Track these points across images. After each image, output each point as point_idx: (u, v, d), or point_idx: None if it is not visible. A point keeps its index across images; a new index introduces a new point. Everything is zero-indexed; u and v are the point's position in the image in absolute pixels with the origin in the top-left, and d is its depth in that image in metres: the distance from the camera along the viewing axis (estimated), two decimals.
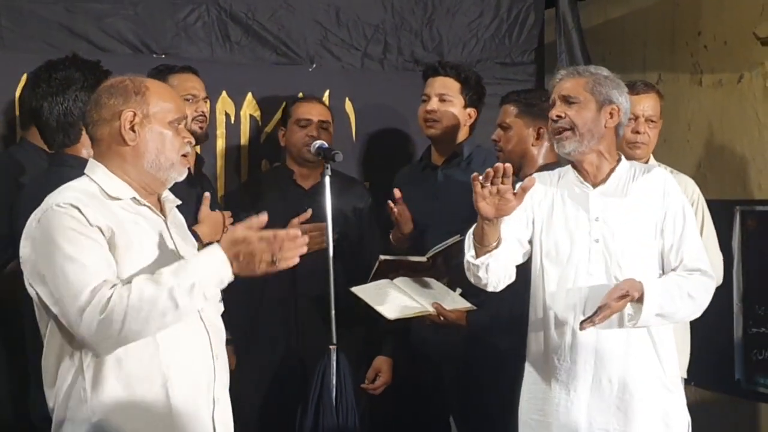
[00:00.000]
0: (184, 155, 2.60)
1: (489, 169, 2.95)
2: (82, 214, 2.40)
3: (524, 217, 3.20)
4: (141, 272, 2.43)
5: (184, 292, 2.35)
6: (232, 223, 3.78)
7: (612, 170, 3.14)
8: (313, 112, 3.99)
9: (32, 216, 2.46)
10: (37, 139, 3.38)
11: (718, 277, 3.87)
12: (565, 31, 4.70)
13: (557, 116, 3.14)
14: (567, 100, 3.14)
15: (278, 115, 4.33)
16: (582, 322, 2.96)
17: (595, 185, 3.14)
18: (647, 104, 3.84)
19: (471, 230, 3.11)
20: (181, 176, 2.61)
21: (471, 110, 4.01)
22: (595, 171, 3.15)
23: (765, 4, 4.48)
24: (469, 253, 3.11)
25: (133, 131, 2.53)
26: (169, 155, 2.56)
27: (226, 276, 2.41)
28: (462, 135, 4.00)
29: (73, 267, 2.36)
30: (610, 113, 3.11)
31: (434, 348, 3.90)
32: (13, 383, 3.10)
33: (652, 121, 3.85)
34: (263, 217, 2.44)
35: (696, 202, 3.83)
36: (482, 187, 2.95)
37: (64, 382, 2.45)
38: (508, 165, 2.95)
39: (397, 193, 3.83)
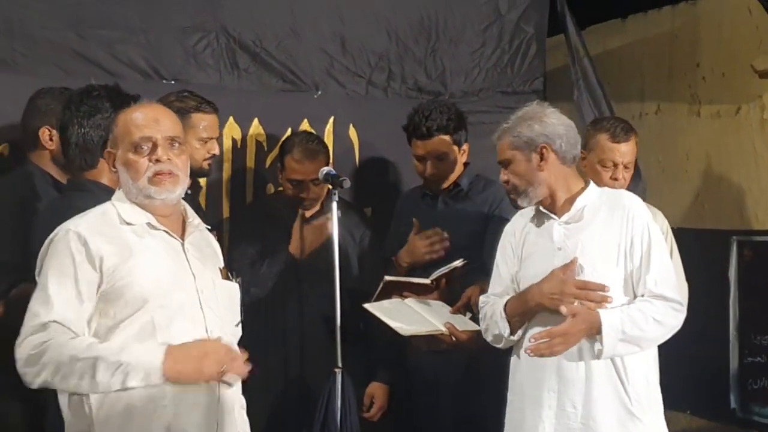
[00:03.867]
0: (158, 174, 2.61)
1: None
2: (87, 245, 2.51)
3: (515, 260, 3.26)
4: (149, 292, 2.53)
5: (109, 367, 2.43)
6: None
7: (575, 198, 3.16)
8: (302, 172, 3.91)
9: (49, 236, 2.57)
10: (43, 162, 3.44)
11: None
12: (577, 58, 4.77)
13: (503, 182, 3.25)
14: (504, 164, 3.23)
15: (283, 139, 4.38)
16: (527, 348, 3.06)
17: (560, 215, 3.17)
18: (626, 150, 3.80)
19: (501, 307, 3.18)
20: (161, 195, 2.62)
21: (465, 146, 4.05)
22: (555, 203, 3.18)
23: (763, 37, 4.55)
24: (505, 332, 3.17)
25: (114, 167, 2.66)
26: (134, 182, 2.62)
27: (155, 376, 2.48)
28: (459, 170, 4.05)
29: (40, 295, 2.49)
30: (541, 155, 3.14)
31: (431, 373, 3.94)
32: (29, 404, 3.14)
33: (628, 166, 3.83)
34: None
35: (665, 233, 3.82)
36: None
37: (71, 398, 2.55)
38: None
39: (415, 222, 3.92)
